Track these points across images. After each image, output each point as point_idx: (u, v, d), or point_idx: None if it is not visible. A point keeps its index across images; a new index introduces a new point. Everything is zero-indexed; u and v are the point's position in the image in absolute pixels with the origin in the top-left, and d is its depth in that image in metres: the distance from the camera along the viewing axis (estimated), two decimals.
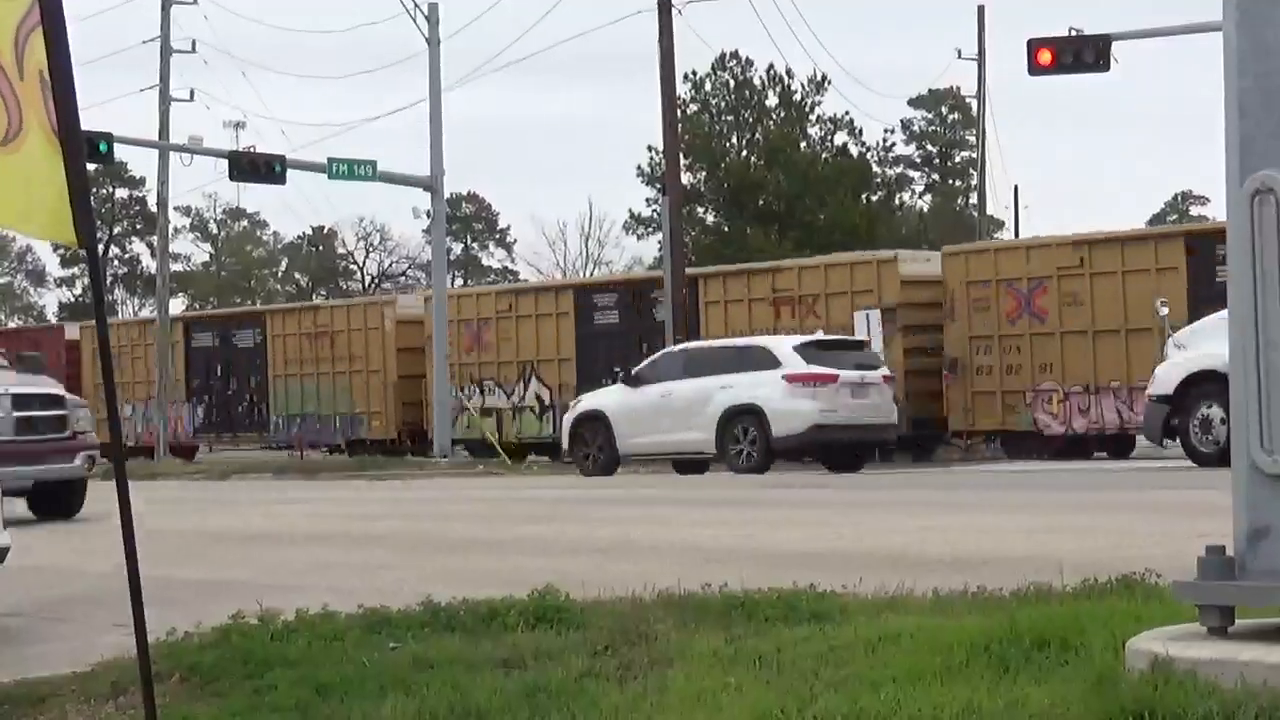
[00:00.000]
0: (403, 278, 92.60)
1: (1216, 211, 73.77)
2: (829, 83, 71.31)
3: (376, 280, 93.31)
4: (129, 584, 6.07)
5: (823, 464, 29.19)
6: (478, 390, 41.56)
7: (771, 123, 72.01)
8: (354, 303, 48.56)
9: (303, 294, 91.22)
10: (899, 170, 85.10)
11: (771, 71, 71.95)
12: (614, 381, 31.69)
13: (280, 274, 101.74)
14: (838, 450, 28.57)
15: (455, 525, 17.24)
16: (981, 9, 63.41)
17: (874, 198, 74.13)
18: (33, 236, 5.95)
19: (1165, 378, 24.66)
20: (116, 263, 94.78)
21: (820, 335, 30.48)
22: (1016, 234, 69.75)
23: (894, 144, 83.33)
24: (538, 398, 40.48)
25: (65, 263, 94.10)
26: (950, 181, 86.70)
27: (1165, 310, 25.82)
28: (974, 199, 71.33)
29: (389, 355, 43.33)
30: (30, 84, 5.76)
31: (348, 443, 44.33)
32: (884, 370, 29.39)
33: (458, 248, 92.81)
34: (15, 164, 5.71)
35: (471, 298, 44.54)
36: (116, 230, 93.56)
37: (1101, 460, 32.26)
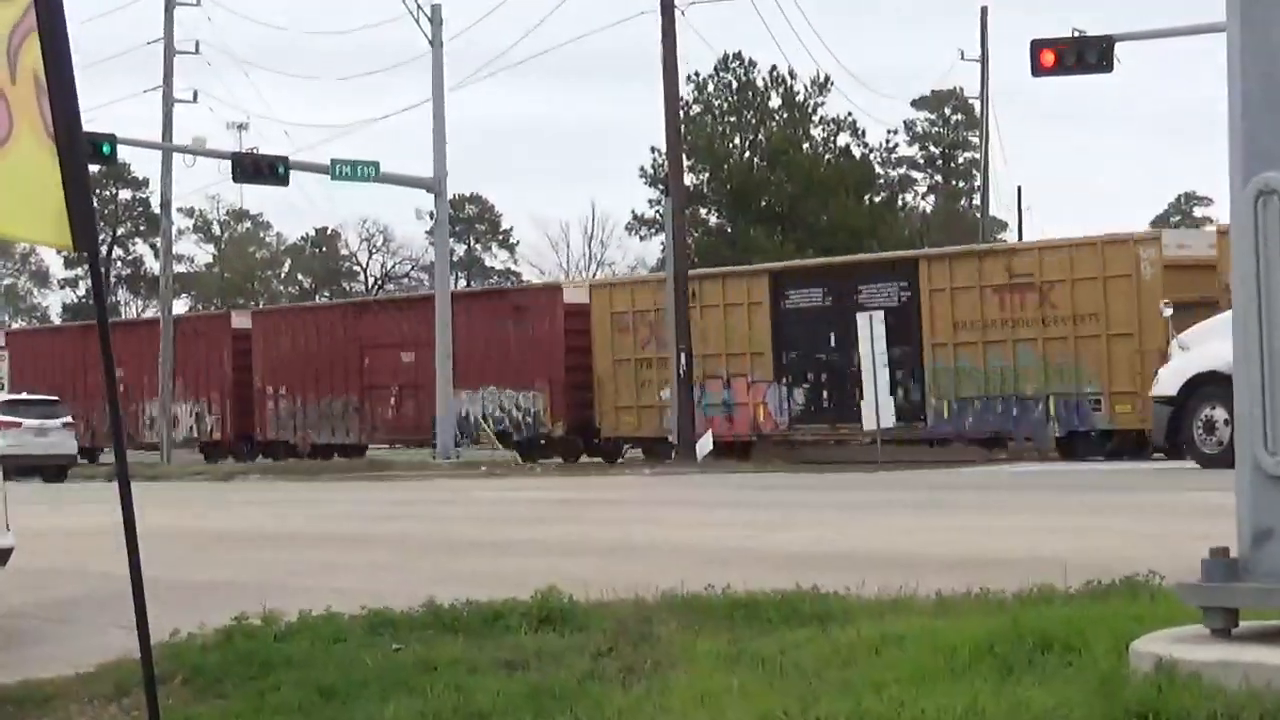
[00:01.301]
0: (406, 279, 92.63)
1: (1220, 212, 73.78)
2: (831, 84, 71.41)
3: (380, 282, 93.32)
4: (132, 585, 6.07)
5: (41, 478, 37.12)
6: None
7: (774, 124, 72.05)
8: (1080, 240, 34.07)
9: (306, 295, 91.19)
10: (902, 171, 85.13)
11: (774, 72, 72.05)
12: None
13: (283, 275, 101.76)
14: (28, 471, 36.44)
15: (458, 526, 17.25)
16: (985, 10, 63.47)
17: (877, 199, 74.18)
18: (25, 241, 5.94)
19: (1169, 379, 24.63)
20: (120, 264, 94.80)
21: (23, 395, 42.67)
22: (1020, 235, 69.78)
23: (897, 145, 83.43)
24: None
25: (69, 264, 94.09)
26: (953, 182, 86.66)
27: (1170, 311, 25.77)
28: (977, 200, 71.34)
29: (1144, 314, 30.73)
30: (23, 88, 5.73)
31: (1067, 436, 32.96)
32: (66, 419, 40.38)
33: (460, 249, 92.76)
34: (6, 169, 5.69)
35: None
36: (120, 231, 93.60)
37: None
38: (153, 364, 48.50)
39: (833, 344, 35.88)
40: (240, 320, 49.92)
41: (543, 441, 41.41)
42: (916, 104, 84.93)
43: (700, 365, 37.95)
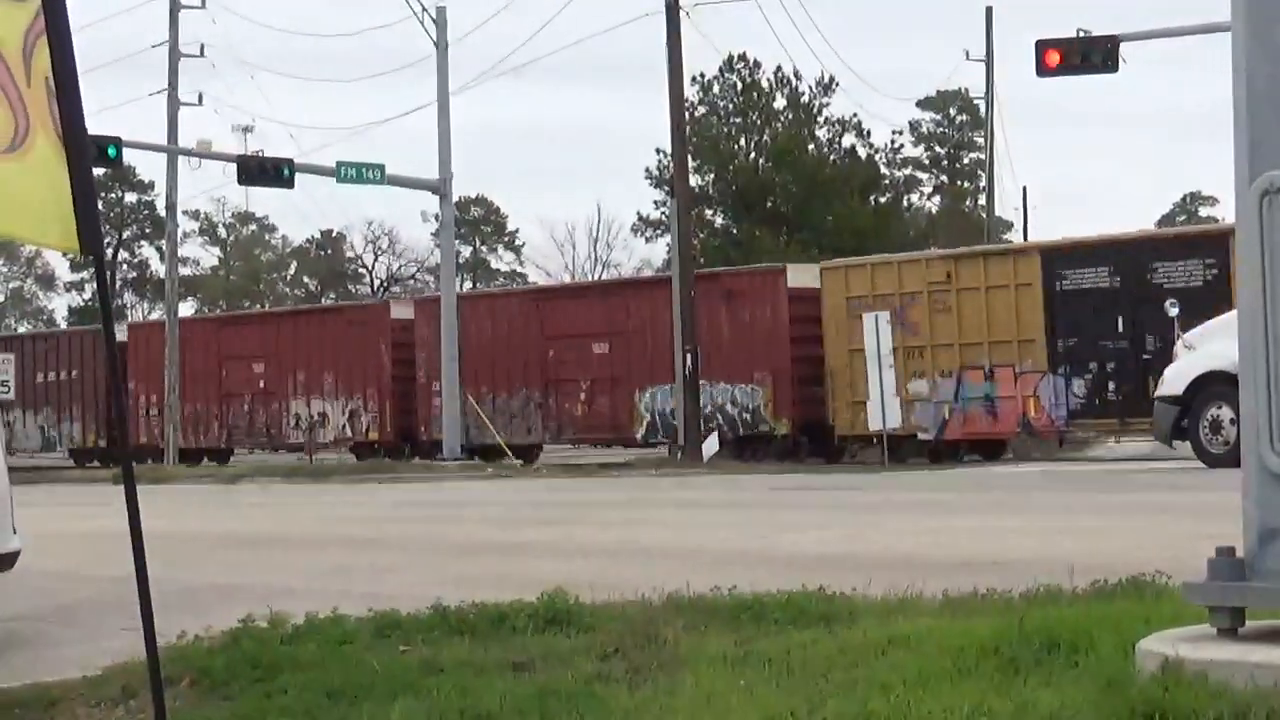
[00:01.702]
0: (411, 280, 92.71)
1: (1226, 212, 73.81)
2: (837, 85, 71.45)
3: (385, 284, 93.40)
4: (138, 588, 6.07)
5: None
6: None
7: (779, 125, 72.04)
8: None
9: (312, 298, 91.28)
10: (907, 172, 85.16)
11: (779, 73, 72.04)
12: None
13: (289, 277, 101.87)
14: None
15: (464, 528, 17.26)
16: (990, 10, 63.50)
17: (882, 200, 74.17)
18: (38, 245, 5.94)
19: (1175, 378, 24.63)
20: (125, 267, 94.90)
21: None
22: (1025, 236, 69.76)
23: (902, 146, 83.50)
24: None
25: (75, 267, 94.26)
26: (959, 183, 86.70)
27: (1175, 310, 25.76)
28: (982, 200, 71.36)
29: None
30: (36, 90, 5.77)
31: None
32: None
33: (466, 251, 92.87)
34: (22, 171, 5.71)
35: None
36: (125, 234, 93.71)
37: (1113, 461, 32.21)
38: (299, 360, 45.37)
39: (1120, 329, 32.61)
40: (401, 310, 45.64)
41: (769, 440, 38.52)
42: (922, 104, 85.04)
43: (958, 354, 34.77)
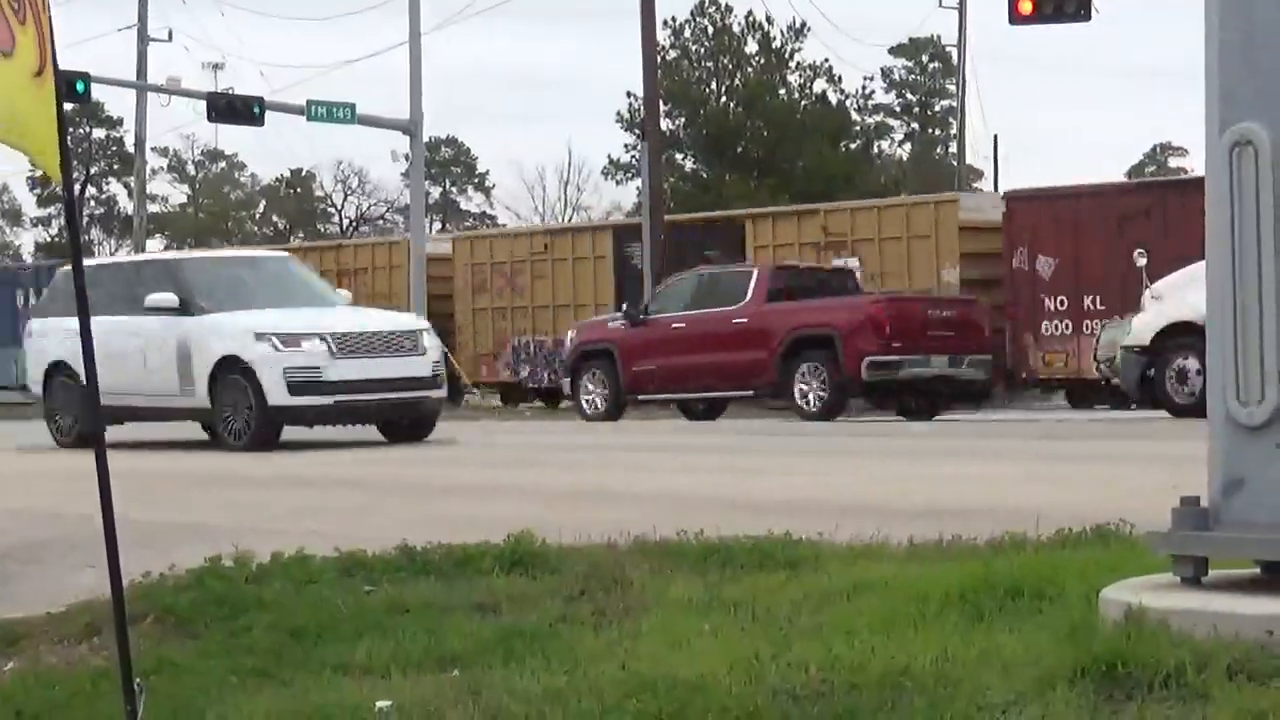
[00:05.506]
0: (380, 221, 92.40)
1: (1196, 163, 73.94)
2: (808, 30, 71.33)
3: (354, 224, 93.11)
4: (104, 526, 6.05)
5: None
6: None
7: (751, 70, 71.89)
8: None
9: (280, 236, 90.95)
10: (878, 119, 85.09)
11: (751, 18, 71.89)
12: None
13: (258, 216, 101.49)
14: None
15: (436, 469, 17.26)
16: None
17: (853, 146, 74.14)
18: (39, 163, 5.89)
19: (1141, 329, 24.67)
20: (93, 203, 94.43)
21: None
22: (996, 184, 69.82)
23: (873, 92, 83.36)
24: None
25: (42, 202, 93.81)
26: (930, 130, 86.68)
27: (1143, 261, 25.77)
28: (953, 148, 71.38)
29: None
30: (43, 15, 5.75)
31: None
32: None
33: (436, 192, 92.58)
34: (45, 97, 5.69)
35: None
36: (93, 170, 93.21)
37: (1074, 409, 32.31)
38: None
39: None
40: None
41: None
42: (894, 51, 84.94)
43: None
